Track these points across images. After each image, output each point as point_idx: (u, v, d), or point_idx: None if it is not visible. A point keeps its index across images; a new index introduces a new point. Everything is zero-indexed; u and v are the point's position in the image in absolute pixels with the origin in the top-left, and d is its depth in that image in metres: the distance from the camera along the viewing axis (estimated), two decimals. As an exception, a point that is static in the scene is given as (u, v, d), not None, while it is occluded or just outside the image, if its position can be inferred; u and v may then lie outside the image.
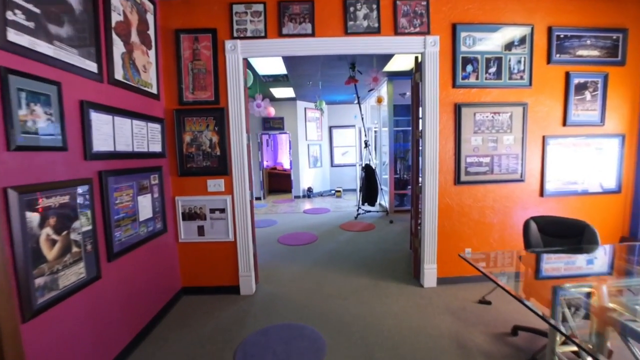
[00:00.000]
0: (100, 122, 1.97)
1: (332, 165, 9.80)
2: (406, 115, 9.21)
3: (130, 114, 2.29)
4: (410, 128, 9.88)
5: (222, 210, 2.91)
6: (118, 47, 2.17)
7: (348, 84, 4.92)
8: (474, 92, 2.88)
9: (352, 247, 4.32)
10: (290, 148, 8.74)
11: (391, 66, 5.35)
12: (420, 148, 3.00)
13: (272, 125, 8.66)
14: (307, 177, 9.01)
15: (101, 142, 1.98)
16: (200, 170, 2.87)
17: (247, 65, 4.84)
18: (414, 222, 3.26)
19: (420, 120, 3.01)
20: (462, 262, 3.10)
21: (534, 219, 2.23)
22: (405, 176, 7.02)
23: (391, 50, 2.81)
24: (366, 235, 4.89)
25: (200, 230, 2.95)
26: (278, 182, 9.80)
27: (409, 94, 8.01)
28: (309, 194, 8.87)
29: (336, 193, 8.79)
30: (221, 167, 2.86)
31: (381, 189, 6.33)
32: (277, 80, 6.02)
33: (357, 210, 6.25)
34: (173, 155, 2.85)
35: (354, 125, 9.22)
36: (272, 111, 7.46)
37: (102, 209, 1.97)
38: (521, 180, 2.99)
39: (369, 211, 6.31)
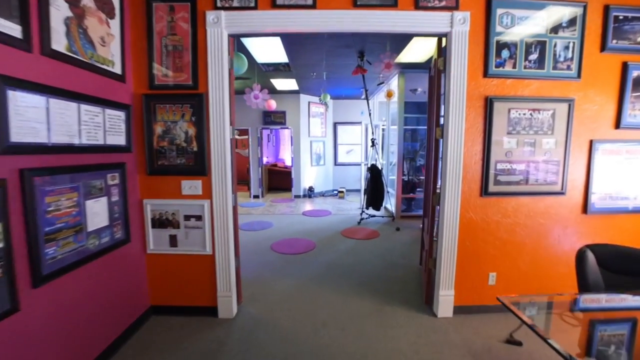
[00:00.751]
0: (24, 104, 1.48)
1: (335, 163, 9.29)
2: (416, 112, 8.66)
3: (78, 97, 1.80)
4: (420, 127, 9.32)
5: (199, 218, 2.43)
6: (59, 9, 1.68)
7: (355, 74, 4.41)
8: (509, 84, 2.35)
9: (354, 259, 3.83)
10: (292, 144, 8.24)
11: (404, 57, 4.81)
12: (441, 150, 2.48)
13: (274, 119, 8.16)
14: (308, 176, 8.51)
15: (26, 130, 1.49)
16: (173, 169, 2.38)
17: (241, 50, 4.34)
18: (427, 237, 2.75)
19: (442, 117, 2.49)
20: (484, 288, 2.61)
21: (590, 248, 1.71)
22: (413, 178, 6.49)
23: (410, 28, 2.28)
24: (370, 245, 4.39)
25: (173, 240, 2.47)
26: (278, 180, 9.32)
27: (420, 89, 7.46)
28: (310, 193, 8.37)
29: (339, 194, 8.28)
30: (198, 165, 2.37)
31: (387, 191, 5.81)
32: (278, 69, 5.50)
33: (361, 214, 5.74)
34: (141, 150, 2.37)
35: (360, 122, 8.69)
36: (272, 104, 6.97)
37: (24, 219, 1.49)
38: (561, 193, 2.47)
39: (374, 216, 5.81)
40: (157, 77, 2.31)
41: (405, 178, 6.30)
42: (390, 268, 3.55)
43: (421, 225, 4.86)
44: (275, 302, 2.78)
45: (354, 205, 7.27)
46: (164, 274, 2.52)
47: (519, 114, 2.36)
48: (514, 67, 2.33)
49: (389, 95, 5.30)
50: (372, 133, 5.68)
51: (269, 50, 4.57)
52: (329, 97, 6.13)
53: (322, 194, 8.75)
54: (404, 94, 5.84)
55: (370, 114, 5.35)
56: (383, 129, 7.52)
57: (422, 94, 7.96)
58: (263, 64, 5.17)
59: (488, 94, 2.34)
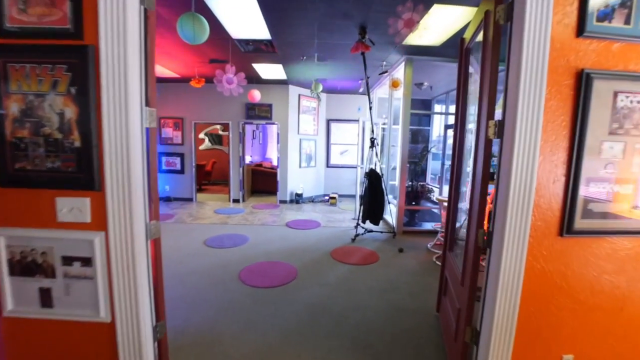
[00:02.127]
0: None
1: (327, 165, 8.32)
2: (419, 109, 7.79)
3: None
4: (423, 127, 8.42)
5: (87, 262, 1.43)
6: None
7: (355, 52, 3.44)
8: (617, 50, 1.40)
9: (346, 298, 2.86)
10: (278, 142, 7.24)
11: (413, 38, 3.86)
12: (497, 158, 1.53)
13: (258, 113, 7.15)
14: (296, 179, 7.52)
15: None
16: (41, 178, 1.38)
17: (210, 20, 3.24)
18: (461, 290, 1.80)
19: (498, 106, 1.54)
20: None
21: None
22: (417, 186, 5.56)
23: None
24: (367, 274, 3.43)
25: (46, 297, 1.47)
26: (263, 182, 8.32)
27: (427, 84, 6.55)
28: (298, 198, 7.39)
29: (330, 200, 7.32)
30: (83, 172, 1.37)
31: (388, 202, 4.87)
32: (259, 50, 4.50)
33: (356, 227, 4.79)
34: (-16, 143, 1.36)
35: (356, 120, 7.72)
36: (256, 95, 6.00)
37: None
38: (683, 232, 1.54)
39: (371, 231, 4.85)
40: (9, 16, 1.31)
41: (408, 185, 5.37)
42: (397, 316, 2.59)
43: (433, 248, 3.86)
44: (225, 385, 1.80)
45: (347, 215, 6.31)
46: (34, 351, 1.52)
47: (632, 102, 1.42)
48: (627, 22, 1.38)
49: (395, 85, 4.35)
50: (372, 132, 4.72)
51: (245, 22, 3.58)
52: (321, 87, 5.17)
53: (312, 200, 7.78)
54: (410, 87, 4.90)
55: (370, 108, 4.40)
56: (383, 128, 6.58)
57: (427, 90, 7.05)
58: (240, 41, 4.17)
59: (583, 66, 1.39)
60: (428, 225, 5.41)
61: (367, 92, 4.28)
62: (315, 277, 3.28)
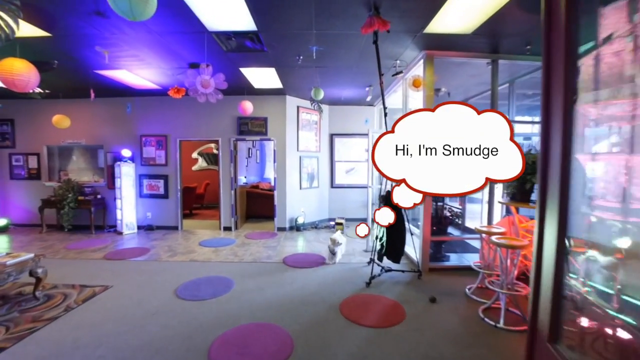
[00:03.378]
0: None
1: (332, 185, 7.36)
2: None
3: None
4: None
5: None
6: None
7: (368, 31, 2.52)
8: None
9: (368, 398, 1.83)
10: (274, 160, 6.34)
11: (437, 23, 3.00)
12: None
13: (251, 128, 6.29)
14: (297, 202, 6.56)
15: None
16: None
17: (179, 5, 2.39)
18: None
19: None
20: None
21: None
22: (440, 209, 4.56)
23: None
24: (393, 343, 2.40)
25: None
26: (261, 205, 7.37)
27: (444, 89, 5.68)
28: (299, 225, 6.40)
29: (337, 226, 6.31)
30: None
31: (411, 233, 3.86)
32: (244, 48, 3.66)
33: (371, 266, 3.77)
34: None
35: (364, 134, 6.84)
36: (248, 107, 5.15)
37: None
38: None
39: (389, 269, 3.83)
40: None
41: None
42: None
43: (474, 295, 2.49)
44: None
45: (358, 244, 5.29)
46: None
47: None
48: None
49: (417, 84, 3.45)
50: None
51: (222, 9, 2.73)
52: (322, 93, 4.29)
53: (315, 226, 6.77)
54: (432, 88, 3.99)
55: (386, 115, 3.47)
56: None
57: (444, 97, 6.17)
58: (219, 35, 3.32)
59: None
60: (455, 257, 4.38)
61: (382, 94, 3.38)
62: (319, 354, 2.26)
